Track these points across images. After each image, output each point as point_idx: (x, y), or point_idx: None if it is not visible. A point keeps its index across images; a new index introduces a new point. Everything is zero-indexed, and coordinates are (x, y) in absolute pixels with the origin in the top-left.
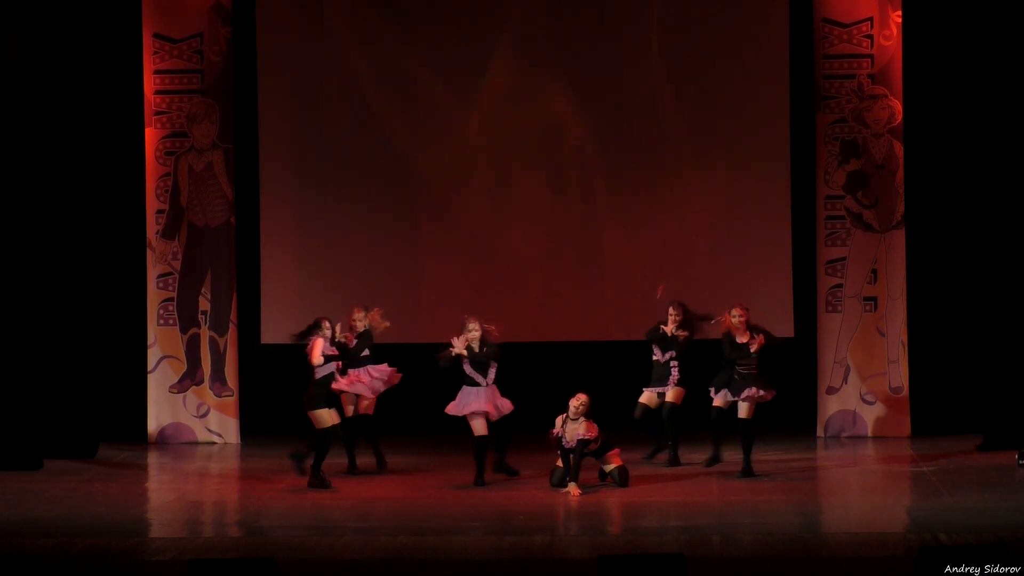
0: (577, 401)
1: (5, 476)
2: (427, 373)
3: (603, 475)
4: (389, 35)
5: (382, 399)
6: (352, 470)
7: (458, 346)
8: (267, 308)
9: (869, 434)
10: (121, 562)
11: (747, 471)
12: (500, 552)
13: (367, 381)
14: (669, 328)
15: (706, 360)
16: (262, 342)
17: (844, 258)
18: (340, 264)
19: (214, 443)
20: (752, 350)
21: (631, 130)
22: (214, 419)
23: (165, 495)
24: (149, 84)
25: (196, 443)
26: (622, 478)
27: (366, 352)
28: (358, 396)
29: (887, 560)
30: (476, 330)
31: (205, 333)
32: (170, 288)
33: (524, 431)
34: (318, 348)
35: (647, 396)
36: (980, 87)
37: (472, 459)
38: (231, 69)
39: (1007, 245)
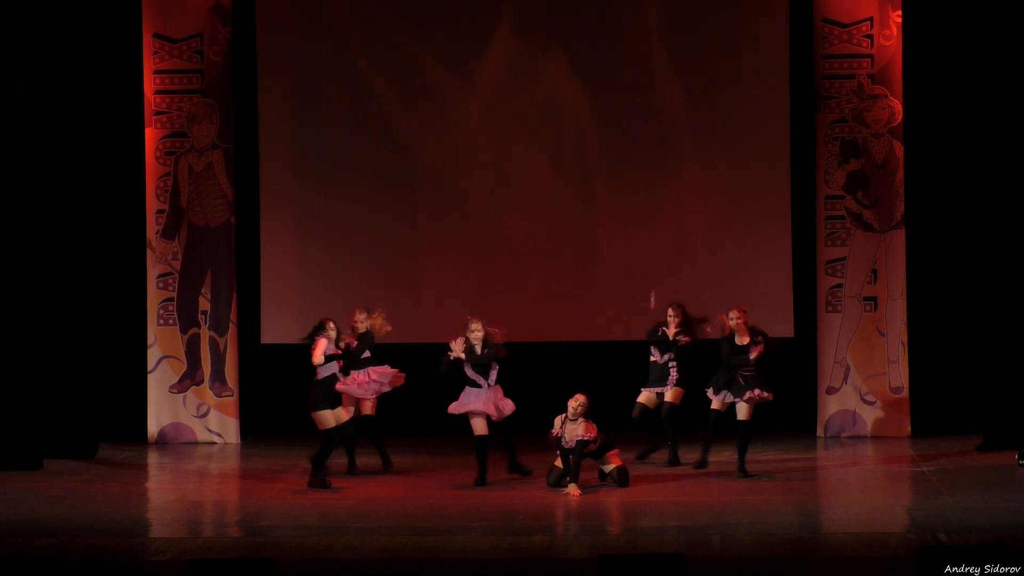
0: (575, 402)
1: (5, 476)
2: (427, 373)
3: (603, 475)
4: (389, 35)
5: (383, 399)
6: (352, 470)
7: (456, 349)
8: (267, 308)
9: (869, 434)
10: (121, 562)
11: (744, 472)
12: (500, 552)
13: (364, 382)
14: (671, 332)
15: (704, 360)
16: (262, 342)
17: (844, 258)
18: (340, 264)
19: (214, 443)
20: (751, 357)
21: (631, 130)
22: (214, 419)
23: (165, 495)
24: (149, 84)
25: (196, 443)
26: (622, 478)
27: (367, 354)
28: (359, 398)
29: (887, 560)
30: (479, 331)
31: (205, 333)
32: (170, 288)
33: (523, 431)
34: (320, 348)
35: (645, 396)
36: (980, 87)
37: (474, 459)
38: (231, 69)
39: (1007, 245)
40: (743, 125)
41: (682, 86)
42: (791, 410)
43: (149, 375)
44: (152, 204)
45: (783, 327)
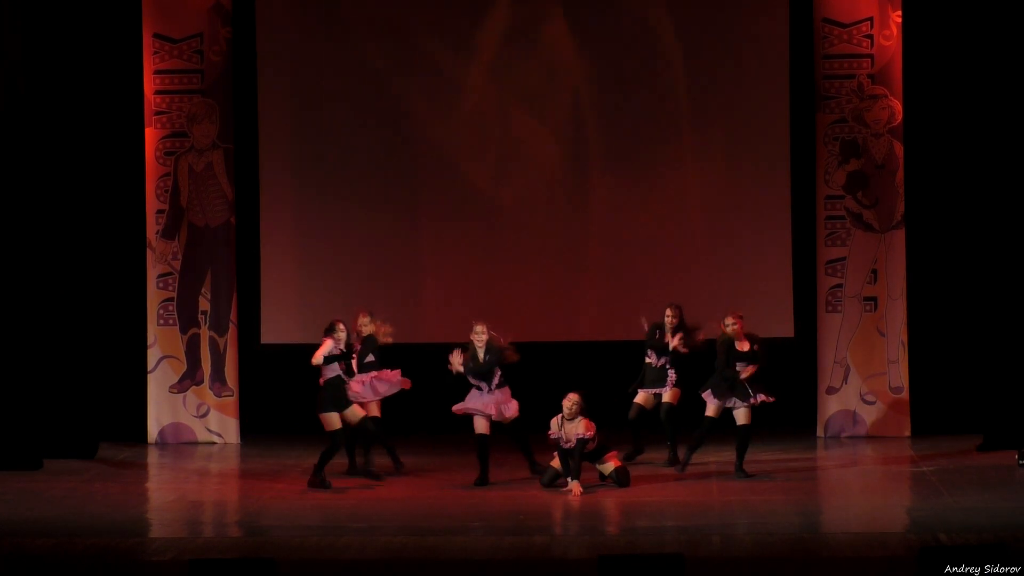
0: (569, 401)
1: (5, 476)
2: (427, 373)
3: (603, 476)
4: (390, 35)
5: (384, 399)
6: (352, 470)
7: (455, 363)
8: (267, 308)
9: (869, 434)
10: (121, 562)
11: (743, 472)
12: (500, 552)
13: (361, 387)
14: (669, 335)
15: (703, 361)
16: (262, 342)
17: (844, 258)
18: (340, 264)
19: (214, 443)
20: (742, 378)
21: (630, 130)
22: (214, 419)
23: (165, 495)
24: (149, 84)
25: (196, 443)
26: (622, 478)
27: (371, 357)
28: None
29: (887, 560)
30: (483, 334)
31: (205, 333)
32: (170, 288)
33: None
34: (322, 348)
35: (643, 397)
36: (980, 87)
37: (474, 459)
38: (231, 69)
39: (1007, 245)
40: (743, 125)
41: (682, 86)
42: (791, 410)
43: (149, 375)
44: (152, 204)
45: (783, 327)
